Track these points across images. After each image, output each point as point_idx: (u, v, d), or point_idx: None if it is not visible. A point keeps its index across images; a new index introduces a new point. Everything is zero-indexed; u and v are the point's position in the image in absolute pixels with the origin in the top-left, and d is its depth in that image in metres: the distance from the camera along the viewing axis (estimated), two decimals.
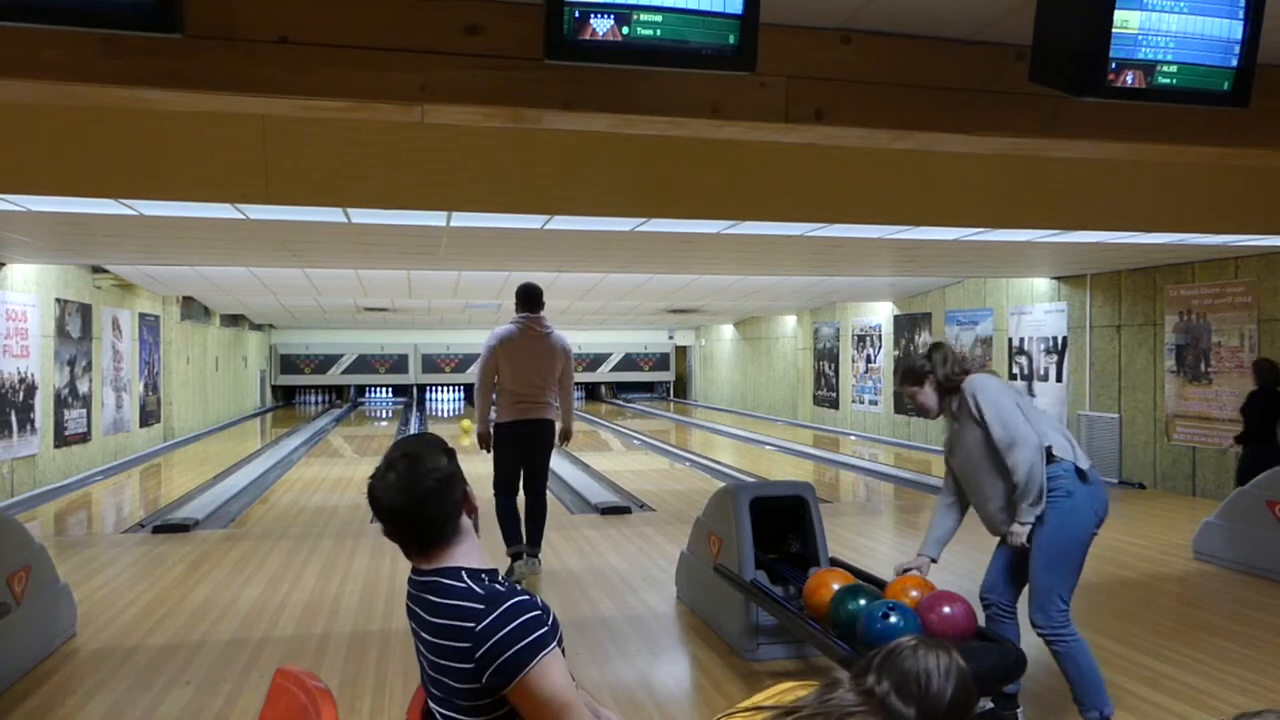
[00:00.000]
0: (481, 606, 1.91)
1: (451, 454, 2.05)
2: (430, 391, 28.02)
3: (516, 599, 1.92)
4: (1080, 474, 3.55)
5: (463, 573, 1.98)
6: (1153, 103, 3.13)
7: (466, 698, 1.92)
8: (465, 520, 2.05)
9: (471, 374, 28.66)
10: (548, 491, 6.37)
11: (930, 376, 3.73)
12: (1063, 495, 3.53)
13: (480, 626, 1.88)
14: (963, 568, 6.62)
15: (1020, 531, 3.59)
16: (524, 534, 6.12)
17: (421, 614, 2.00)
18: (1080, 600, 5.75)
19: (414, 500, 1.97)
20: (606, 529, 7.77)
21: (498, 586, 1.96)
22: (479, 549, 2.07)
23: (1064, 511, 3.53)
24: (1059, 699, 4.10)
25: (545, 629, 1.90)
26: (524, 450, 6.09)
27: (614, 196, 5.67)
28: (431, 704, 2.02)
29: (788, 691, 1.66)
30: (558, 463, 12.18)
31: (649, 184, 5.58)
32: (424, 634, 2.00)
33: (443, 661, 1.94)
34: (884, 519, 9.32)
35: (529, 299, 6.22)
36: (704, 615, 5.20)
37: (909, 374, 3.81)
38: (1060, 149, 3.99)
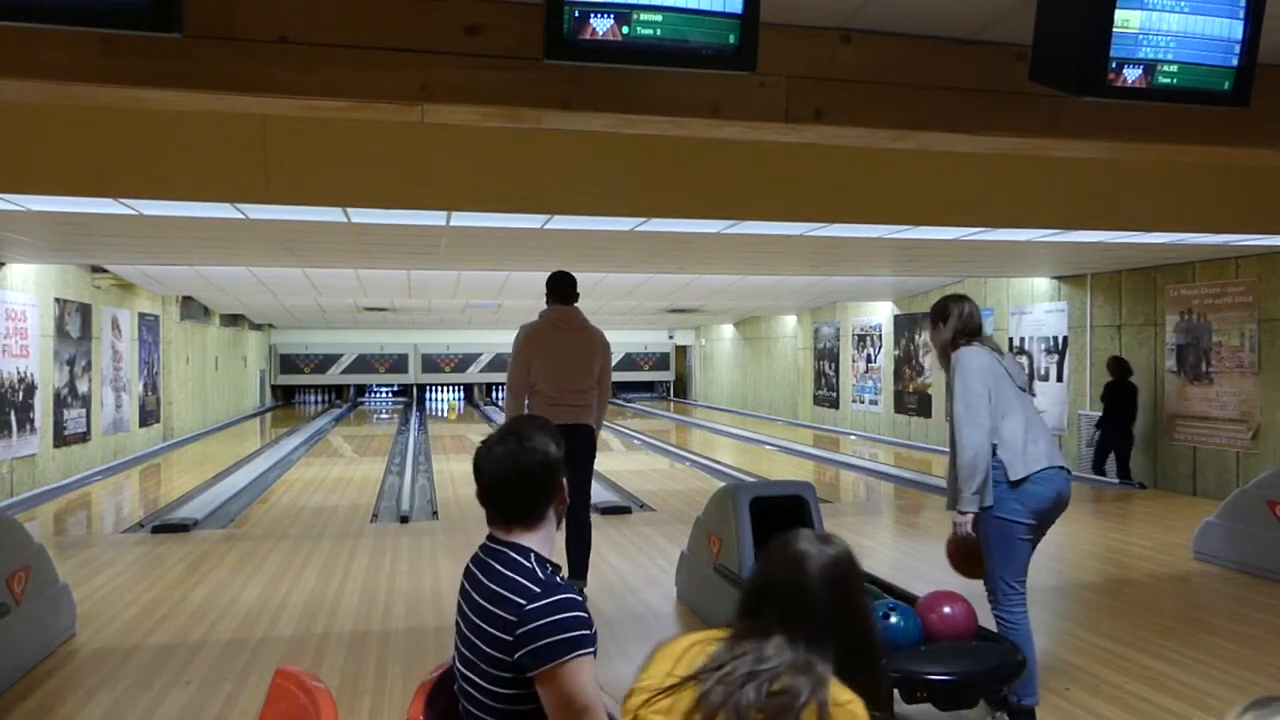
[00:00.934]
0: (538, 590, 1.98)
1: (560, 443, 2.15)
2: (430, 391, 28.04)
3: (571, 595, 1.99)
4: (1034, 476, 3.61)
5: (533, 554, 2.07)
6: (1153, 102, 3.12)
7: (494, 666, 1.97)
8: (551, 511, 2.14)
9: (471, 374, 28.63)
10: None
11: (944, 322, 3.83)
12: (1000, 483, 3.62)
13: (530, 606, 1.95)
14: None
15: (961, 521, 3.66)
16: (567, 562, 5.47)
17: (479, 576, 2.07)
18: (1080, 600, 5.78)
19: (513, 476, 2.08)
20: (606, 529, 7.77)
21: (558, 580, 2.03)
22: (553, 542, 2.16)
23: (998, 500, 3.62)
24: (1056, 697, 4.10)
25: (587, 632, 1.96)
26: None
27: (614, 196, 5.66)
28: (457, 667, 2.09)
29: (687, 652, 1.73)
30: None
31: (649, 184, 5.57)
32: (475, 595, 2.06)
33: (484, 626, 2.00)
34: (884, 519, 9.32)
35: (561, 289, 5.60)
36: (704, 615, 5.20)
37: (935, 308, 3.91)
38: (1061, 149, 3.98)
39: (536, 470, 2.08)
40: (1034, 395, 11.94)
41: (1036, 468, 3.61)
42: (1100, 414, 10.22)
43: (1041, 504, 3.64)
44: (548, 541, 2.13)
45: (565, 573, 5.60)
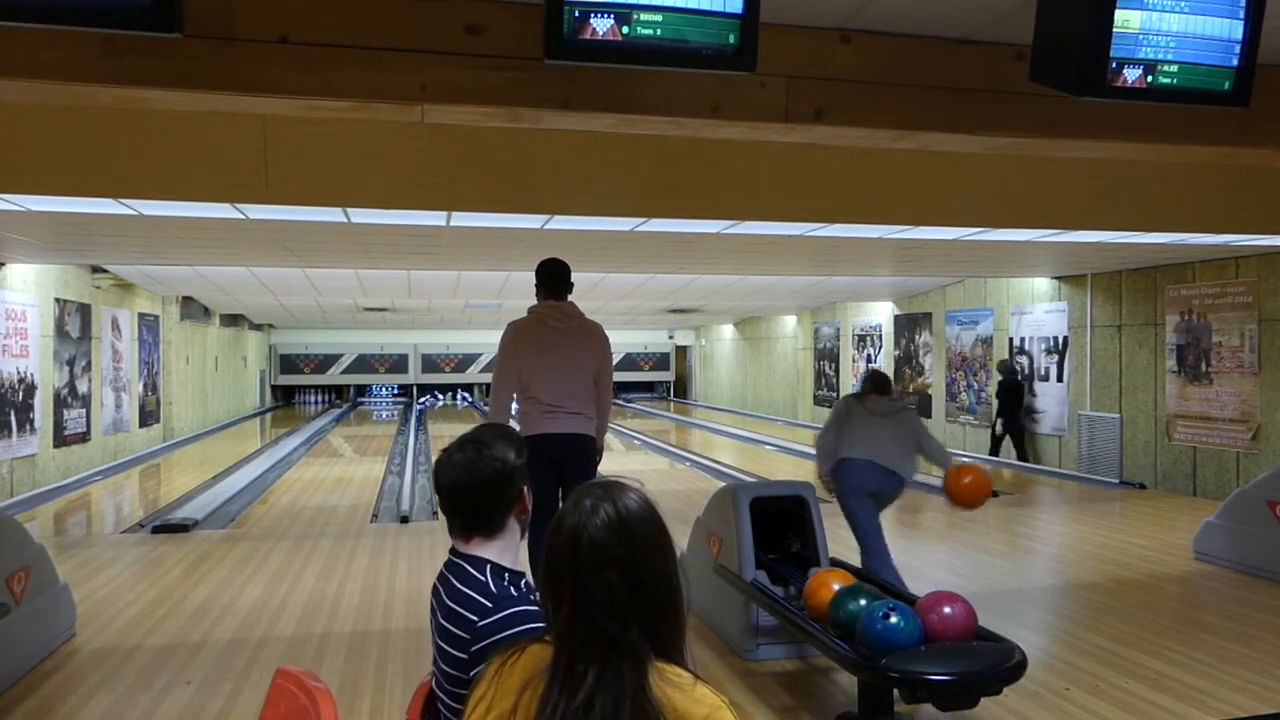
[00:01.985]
0: (489, 604, 1.94)
1: (522, 451, 2.11)
2: (430, 391, 28.05)
3: (524, 607, 1.95)
4: (845, 462, 5.40)
5: (488, 567, 2.03)
6: (1153, 102, 3.12)
7: (455, 684, 1.96)
8: (513, 520, 2.10)
9: (471, 374, 28.48)
10: None
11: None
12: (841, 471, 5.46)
13: (482, 622, 1.92)
14: (963, 568, 6.62)
15: (823, 475, 5.57)
16: None
17: (442, 593, 2.05)
18: (1080, 600, 5.79)
19: (470, 484, 2.04)
20: None
21: (513, 590, 1.99)
22: (515, 550, 2.12)
23: (840, 483, 5.45)
24: (1056, 697, 4.10)
25: None
26: (559, 472, 4.71)
27: (614, 196, 5.66)
28: (434, 687, 2.08)
29: (519, 693, 1.51)
30: None
31: (649, 184, 5.57)
32: (438, 614, 2.05)
33: (445, 646, 1.99)
34: (884, 519, 9.30)
35: (552, 280, 4.85)
36: (704, 615, 5.20)
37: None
38: (1061, 149, 3.98)
39: (494, 478, 2.04)
40: (1034, 395, 12.01)
41: (843, 456, 5.40)
42: (996, 409, 12.44)
43: (852, 483, 5.38)
44: (508, 551, 2.09)
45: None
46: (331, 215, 6.07)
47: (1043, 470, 11.67)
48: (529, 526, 2.17)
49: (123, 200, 5.37)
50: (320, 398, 27.65)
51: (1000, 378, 12.35)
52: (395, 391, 28.50)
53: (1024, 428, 12.20)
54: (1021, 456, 12.19)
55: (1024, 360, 12.43)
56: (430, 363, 27.25)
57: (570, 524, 1.50)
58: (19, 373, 9.73)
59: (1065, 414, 11.58)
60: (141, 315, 14.03)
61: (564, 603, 1.48)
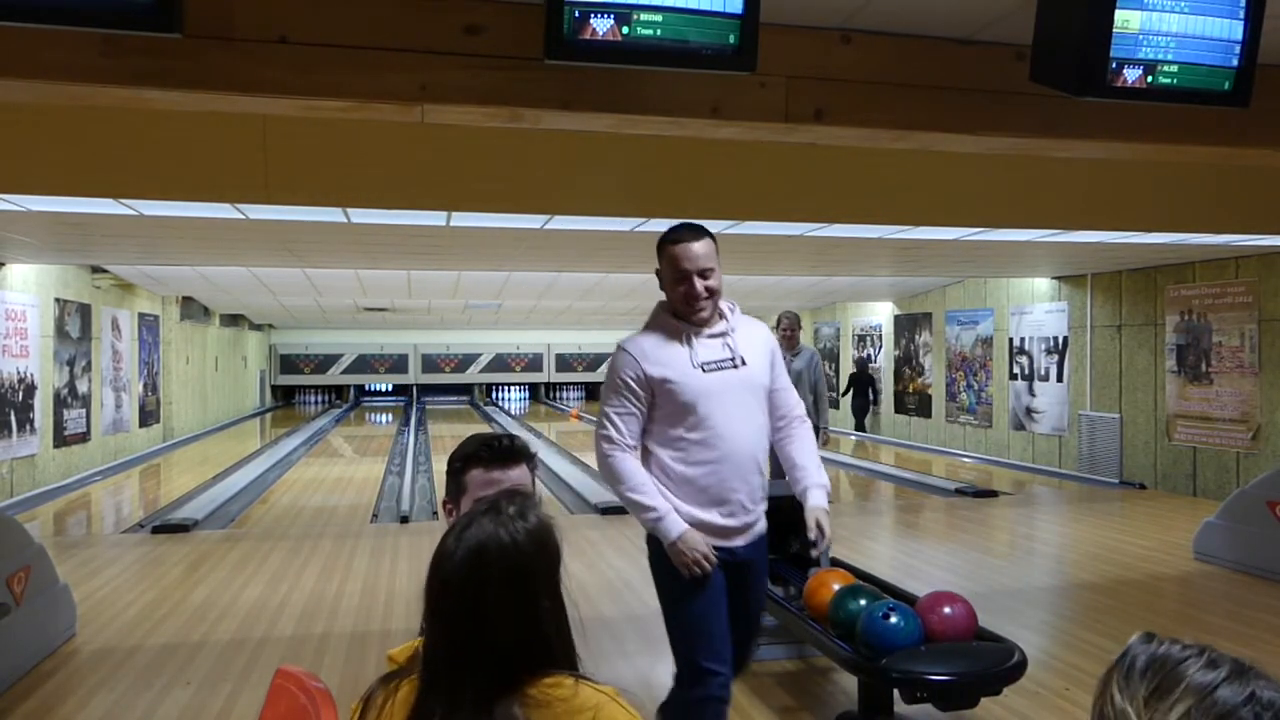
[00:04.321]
0: None
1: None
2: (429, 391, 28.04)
3: None
4: None
5: None
6: (1153, 103, 3.12)
7: None
8: None
9: (471, 374, 28.46)
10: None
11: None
12: None
13: None
14: (963, 568, 6.62)
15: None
16: None
17: None
18: (1080, 600, 5.79)
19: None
20: (606, 529, 7.77)
21: None
22: None
23: None
24: (1056, 697, 4.10)
25: None
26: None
27: (614, 196, 5.66)
28: None
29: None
30: (557, 462, 12.17)
31: (649, 184, 5.57)
32: None
33: None
34: (884, 519, 9.32)
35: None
36: None
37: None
38: (1061, 149, 3.98)
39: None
40: (1035, 395, 12.05)
41: None
42: (848, 388, 16.75)
43: None
44: None
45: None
46: (331, 215, 6.07)
47: (1043, 470, 11.67)
48: None
49: (123, 200, 5.37)
50: (320, 398, 27.64)
51: (853, 370, 16.78)
52: (389, 390, 28.44)
53: (867, 409, 16.24)
54: (859, 428, 16.23)
55: (1024, 360, 12.44)
56: (430, 363, 27.23)
57: (439, 554, 1.44)
58: (19, 373, 9.73)
59: (1065, 414, 11.58)
60: (141, 315, 14.03)
61: (425, 631, 1.41)
